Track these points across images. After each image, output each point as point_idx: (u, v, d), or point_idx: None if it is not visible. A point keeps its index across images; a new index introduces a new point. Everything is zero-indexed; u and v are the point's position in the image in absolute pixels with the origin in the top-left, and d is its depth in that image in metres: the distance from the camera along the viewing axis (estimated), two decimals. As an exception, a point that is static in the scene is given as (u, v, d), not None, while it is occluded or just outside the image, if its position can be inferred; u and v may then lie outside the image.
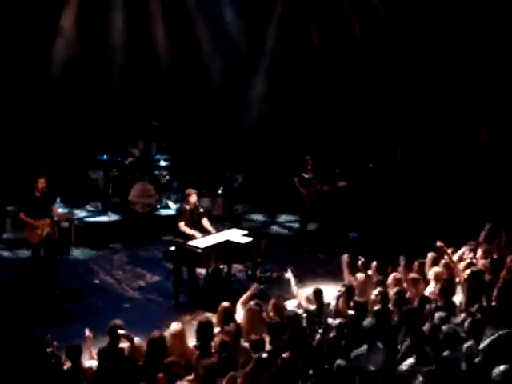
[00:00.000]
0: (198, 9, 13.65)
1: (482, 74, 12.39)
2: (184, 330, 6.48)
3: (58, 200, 10.97)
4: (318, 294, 7.60)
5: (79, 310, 9.01)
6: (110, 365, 5.98)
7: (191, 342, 6.54)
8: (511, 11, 11.78)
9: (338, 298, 7.42)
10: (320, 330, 6.79)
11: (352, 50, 13.77)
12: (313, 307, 7.52)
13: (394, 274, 8.08)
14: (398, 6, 13.15)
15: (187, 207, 9.96)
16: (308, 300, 7.89)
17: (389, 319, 6.89)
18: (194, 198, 9.95)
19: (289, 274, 8.00)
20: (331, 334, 6.50)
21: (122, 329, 6.34)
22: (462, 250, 9.13)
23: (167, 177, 13.04)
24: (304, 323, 7.19)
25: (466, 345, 6.10)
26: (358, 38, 13.64)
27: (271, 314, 7.11)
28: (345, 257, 8.59)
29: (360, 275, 8.08)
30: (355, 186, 13.05)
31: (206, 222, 10.06)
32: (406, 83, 13.23)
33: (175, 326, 6.48)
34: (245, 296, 7.57)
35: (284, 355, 5.97)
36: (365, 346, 6.09)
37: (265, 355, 5.76)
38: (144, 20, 13.26)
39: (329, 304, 7.61)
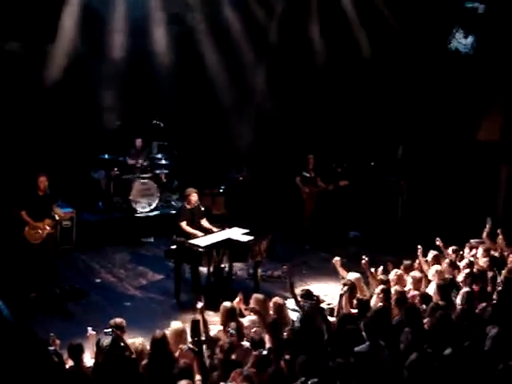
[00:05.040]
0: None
1: (482, 73, 12.40)
2: (184, 329, 6.50)
3: (60, 200, 10.99)
4: (306, 295, 7.55)
5: (81, 309, 9.02)
6: (109, 362, 5.99)
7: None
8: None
9: (340, 297, 7.42)
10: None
11: (353, 50, 13.76)
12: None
13: (394, 271, 8.11)
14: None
15: (188, 207, 9.97)
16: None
17: (389, 317, 6.91)
18: (194, 198, 9.96)
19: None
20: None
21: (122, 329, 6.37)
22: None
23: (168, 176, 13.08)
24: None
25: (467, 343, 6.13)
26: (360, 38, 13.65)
27: (272, 312, 7.12)
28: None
29: (354, 274, 8.05)
30: (356, 184, 13.06)
31: (205, 222, 10.07)
32: (407, 82, 13.23)
33: (176, 325, 6.50)
34: (242, 307, 7.45)
35: (286, 356, 5.98)
36: (367, 343, 6.11)
37: (264, 352, 5.78)
38: (144, 19, 13.27)
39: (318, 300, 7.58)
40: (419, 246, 8.76)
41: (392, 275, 8.00)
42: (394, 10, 13.13)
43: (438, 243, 9.02)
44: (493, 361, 5.84)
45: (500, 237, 9.41)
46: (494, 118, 12.75)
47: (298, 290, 8.79)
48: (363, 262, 8.28)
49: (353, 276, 7.87)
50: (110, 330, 6.23)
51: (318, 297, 7.57)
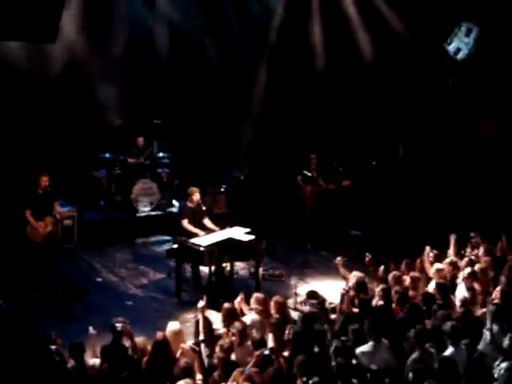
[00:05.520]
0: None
1: (482, 72, 12.38)
2: (181, 329, 6.50)
3: (61, 199, 10.99)
4: (311, 296, 7.53)
5: (82, 308, 9.02)
6: (113, 363, 5.99)
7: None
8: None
9: (342, 296, 7.41)
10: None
11: (355, 49, 13.73)
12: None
13: (394, 272, 8.09)
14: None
15: (190, 205, 9.97)
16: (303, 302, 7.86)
17: (392, 316, 6.90)
18: (196, 197, 9.95)
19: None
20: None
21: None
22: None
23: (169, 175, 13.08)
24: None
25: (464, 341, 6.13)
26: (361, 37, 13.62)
27: (273, 311, 7.12)
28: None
29: (356, 273, 8.04)
30: (358, 183, 13.05)
31: (208, 221, 10.07)
32: (407, 81, 13.21)
33: (172, 326, 6.49)
34: (244, 307, 7.44)
35: (285, 353, 5.98)
36: (370, 343, 6.10)
37: (266, 352, 5.78)
38: (146, 18, 13.27)
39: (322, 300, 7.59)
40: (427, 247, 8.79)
41: (391, 277, 7.99)
42: (394, 10, 13.12)
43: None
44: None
45: (503, 239, 9.40)
46: (494, 119, 12.74)
47: (299, 290, 8.82)
48: (367, 259, 8.32)
49: (355, 276, 7.87)
50: (120, 324, 6.26)
51: (322, 297, 7.58)
